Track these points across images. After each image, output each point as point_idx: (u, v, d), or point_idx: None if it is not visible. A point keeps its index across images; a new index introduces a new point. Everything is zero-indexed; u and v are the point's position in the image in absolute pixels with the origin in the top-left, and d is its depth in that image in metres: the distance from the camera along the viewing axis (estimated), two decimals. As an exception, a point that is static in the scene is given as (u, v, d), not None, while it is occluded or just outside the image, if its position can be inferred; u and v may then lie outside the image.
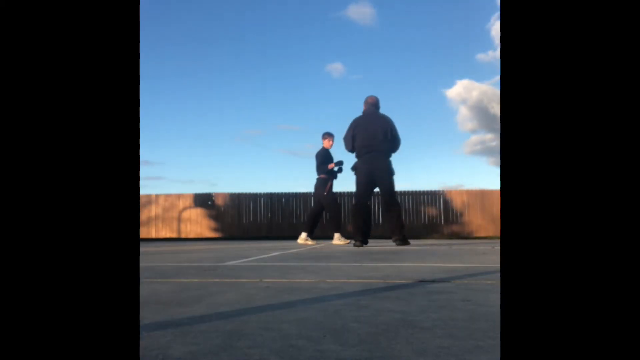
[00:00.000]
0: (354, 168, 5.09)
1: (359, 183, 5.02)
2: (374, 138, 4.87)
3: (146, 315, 1.11)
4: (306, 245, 5.74)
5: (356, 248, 4.65)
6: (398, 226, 4.91)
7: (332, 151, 6.19)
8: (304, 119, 18.45)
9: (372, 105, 5.14)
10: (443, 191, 10.74)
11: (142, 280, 1.88)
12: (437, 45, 18.26)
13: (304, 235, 6.13)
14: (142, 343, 0.84)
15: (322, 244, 6.08)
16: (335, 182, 6.04)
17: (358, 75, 18.16)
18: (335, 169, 5.97)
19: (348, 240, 5.85)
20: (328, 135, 6.15)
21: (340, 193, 10.40)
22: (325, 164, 5.96)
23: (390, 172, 4.95)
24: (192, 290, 1.57)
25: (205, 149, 17.44)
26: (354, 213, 5.16)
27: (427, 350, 0.78)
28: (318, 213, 6.14)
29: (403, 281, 1.76)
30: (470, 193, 10.62)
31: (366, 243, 4.98)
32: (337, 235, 5.96)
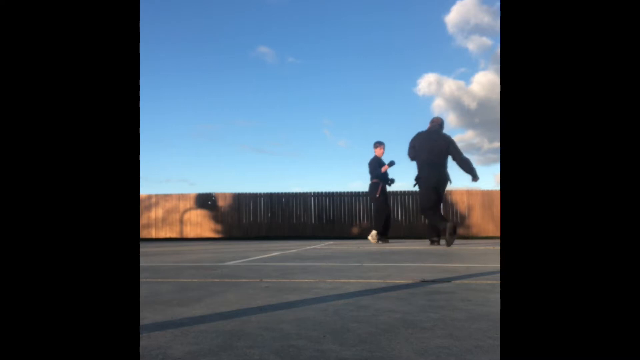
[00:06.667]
0: (417, 179, 5.70)
1: (422, 193, 5.64)
2: (435, 154, 5.55)
3: (146, 315, 1.11)
4: (374, 243, 6.26)
5: (356, 248, 4.70)
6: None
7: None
8: (261, 113, 17.66)
9: (437, 125, 5.77)
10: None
11: (142, 280, 1.88)
12: (395, 41, 17.41)
13: (374, 233, 6.59)
14: (142, 343, 0.84)
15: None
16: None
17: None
18: (388, 170, 6.61)
19: (377, 240, 6.47)
20: (379, 144, 6.84)
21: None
22: (378, 170, 6.62)
23: (448, 180, 5.62)
24: (192, 290, 1.57)
25: (163, 146, 16.72)
26: (425, 215, 5.75)
27: (427, 350, 0.78)
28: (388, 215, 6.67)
29: (403, 281, 1.76)
30: (470, 193, 10.63)
31: (437, 241, 5.54)
32: (373, 232, 6.56)
